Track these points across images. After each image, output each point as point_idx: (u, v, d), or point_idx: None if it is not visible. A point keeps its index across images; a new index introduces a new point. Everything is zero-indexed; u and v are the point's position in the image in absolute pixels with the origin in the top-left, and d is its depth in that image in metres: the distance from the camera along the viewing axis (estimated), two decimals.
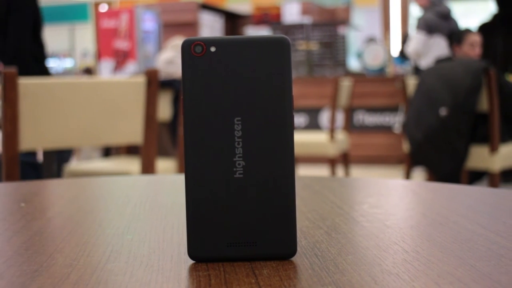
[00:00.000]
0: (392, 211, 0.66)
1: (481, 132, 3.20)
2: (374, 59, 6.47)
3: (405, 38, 6.43)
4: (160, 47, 5.21)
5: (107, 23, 5.08)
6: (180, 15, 7.07)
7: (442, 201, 0.71)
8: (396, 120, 6.01)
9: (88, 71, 8.05)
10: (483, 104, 3.11)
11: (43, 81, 1.59)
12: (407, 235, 0.55)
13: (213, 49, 0.47)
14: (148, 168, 1.77)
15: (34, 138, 1.57)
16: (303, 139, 3.90)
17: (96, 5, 11.15)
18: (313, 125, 6.20)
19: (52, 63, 11.97)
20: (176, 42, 3.78)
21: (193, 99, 0.47)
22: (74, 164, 2.88)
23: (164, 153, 3.00)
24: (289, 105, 0.47)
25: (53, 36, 9.89)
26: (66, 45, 13.82)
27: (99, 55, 5.20)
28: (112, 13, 5.12)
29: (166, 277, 0.44)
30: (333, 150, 3.84)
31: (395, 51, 7.35)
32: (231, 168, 0.47)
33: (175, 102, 2.89)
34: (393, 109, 6.02)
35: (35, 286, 0.42)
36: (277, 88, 0.47)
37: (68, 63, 13.26)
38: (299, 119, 6.26)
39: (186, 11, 7.09)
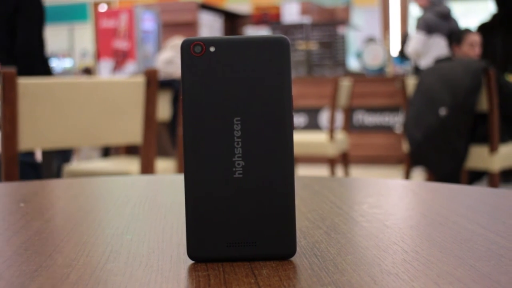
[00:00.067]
0: (391, 211, 0.66)
1: (480, 132, 3.20)
2: (373, 59, 6.47)
3: (404, 38, 6.43)
4: (159, 47, 5.21)
5: (107, 23, 5.08)
6: (179, 15, 7.07)
7: (442, 201, 0.71)
8: (397, 120, 6.01)
9: (88, 71, 8.05)
10: (483, 104, 3.11)
11: (43, 81, 1.59)
12: (406, 235, 0.55)
13: (212, 49, 0.47)
14: (147, 168, 1.77)
15: (34, 138, 1.57)
16: (302, 139, 3.89)
17: (96, 5, 11.16)
18: (312, 125, 6.20)
19: (51, 63, 11.96)
20: (176, 42, 3.78)
21: (193, 99, 0.47)
22: (73, 164, 2.88)
23: (163, 153, 3.00)
24: (289, 105, 0.47)
25: (52, 36, 9.88)
26: (65, 45, 13.81)
27: (98, 55, 5.20)
28: (112, 13, 5.12)
29: (165, 277, 0.44)
30: (332, 150, 3.84)
31: (394, 51, 7.35)
32: (230, 168, 0.47)
33: (175, 102, 2.88)
34: (392, 109, 6.02)
35: (35, 286, 0.42)
36: (277, 88, 0.47)
37: (67, 63, 13.26)
38: (299, 119, 6.26)
39: (185, 11, 7.10)
